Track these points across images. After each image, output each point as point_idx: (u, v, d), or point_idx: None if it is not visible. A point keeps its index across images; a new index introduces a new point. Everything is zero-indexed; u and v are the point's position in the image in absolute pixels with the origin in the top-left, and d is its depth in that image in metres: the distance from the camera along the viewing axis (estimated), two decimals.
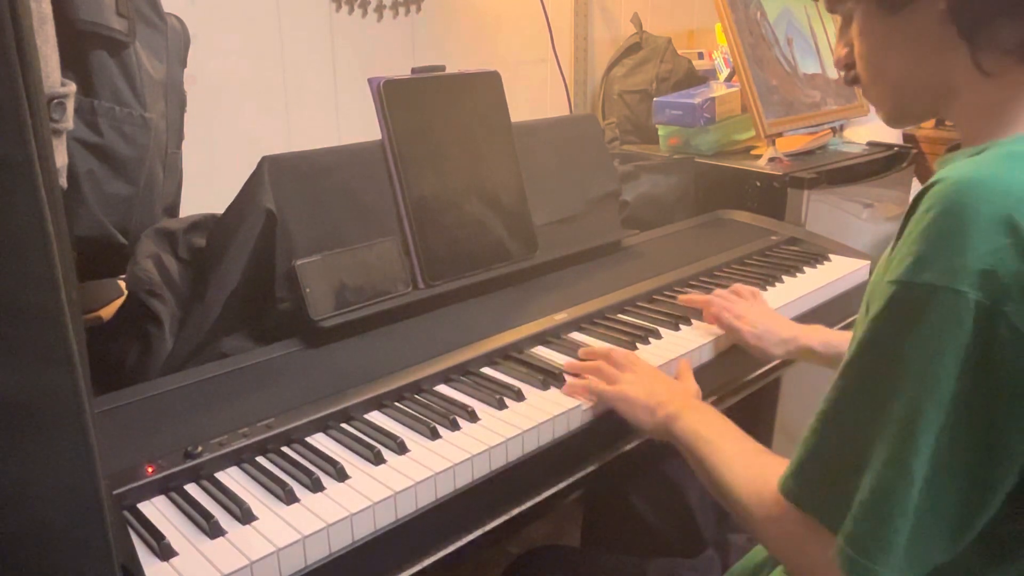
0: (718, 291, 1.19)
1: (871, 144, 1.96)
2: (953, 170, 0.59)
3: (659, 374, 0.98)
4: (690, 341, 1.10)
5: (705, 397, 1.12)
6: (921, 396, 0.57)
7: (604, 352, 1.00)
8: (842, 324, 1.40)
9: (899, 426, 0.58)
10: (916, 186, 2.19)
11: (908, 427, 0.57)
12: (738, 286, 1.20)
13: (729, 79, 2.01)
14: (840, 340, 1.06)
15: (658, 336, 1.11)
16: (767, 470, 0.72)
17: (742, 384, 1.17)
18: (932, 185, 0.59)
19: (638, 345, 1.08)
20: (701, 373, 1.09)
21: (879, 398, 0.59)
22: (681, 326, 1.15)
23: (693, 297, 1.19)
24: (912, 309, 0.57)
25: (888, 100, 0.74)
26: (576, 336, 1.11)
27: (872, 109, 1.99)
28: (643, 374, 0.96)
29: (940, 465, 0.57)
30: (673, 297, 1.25)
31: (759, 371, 1.20)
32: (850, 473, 0.60)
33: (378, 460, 0.81)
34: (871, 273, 1.43)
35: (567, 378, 0.97)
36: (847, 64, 0.75)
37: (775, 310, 1.23)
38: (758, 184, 1.67)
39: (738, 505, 0.73)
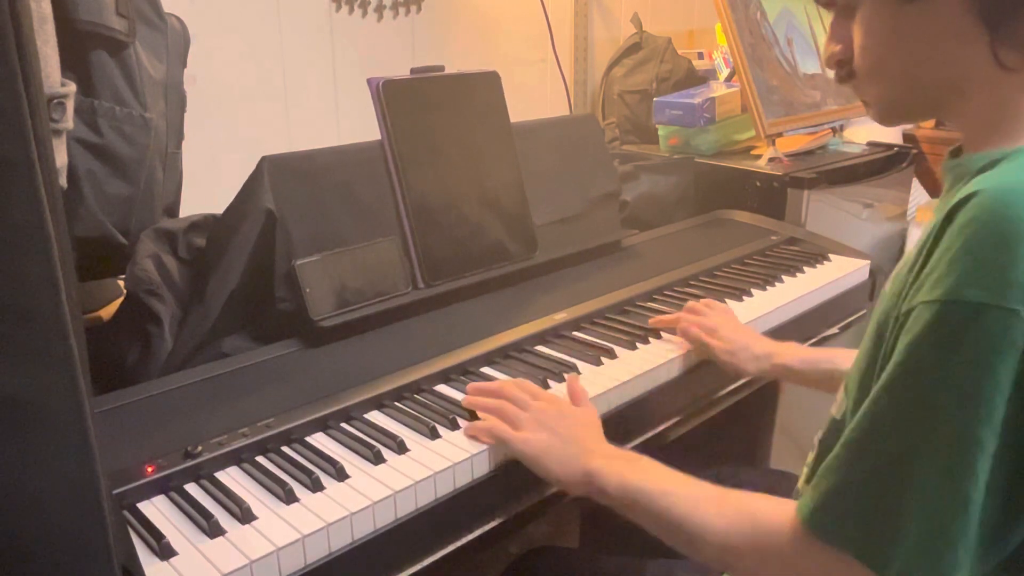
0: (689, 304, 1.14)
1: (871, 144, 1.96)
2: (987, 181, 0.57)
3: (564, 410, 0.87)
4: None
5: (704, 397, 1.13)
6: (972, 420, 0.54)
7: (500, 387, 0.89)
8: (842, 324, 1.40)
9: (950, 452, 0.55)
10: (916, 186, 2.19)
11: (961, 453, 0.54)
12: (709, 300, 1.15)
13: (729, 79, 2.01)
14: (817, 357, 1.03)
15: (658, 336, 1.11)
16: (751, 507, 0.68)
17: (741, 385, 1.18)
18: (968, 198, 0.56)
19: (638, 345, 1.08)
20: (699, 374, 1.10)
21: (924, 424, 0.56)
22: None
23: (662, 318, 1.13)
24: (958, 329, 0.55)
25: (888, 96, 0.70)
26: (576, 336, 1.11)
27: None
28: (546, 412, 0.85)
29: (989, 489, 0.55)
30: (673, 297, 1.25)
31: None
32: (893, 505, 0.57)
33: (378, 460, 0.81)
34: (871, 274, 1.44)
35: (463, 423, 0.88)
36: (840, 60, 0.72)
37: (775, 310, 1.23)
38: (758, 184, 1.67)
39: (726, 548, 0.68)
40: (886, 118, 0.72)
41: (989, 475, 0.54)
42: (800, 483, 0.81)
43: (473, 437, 0.85)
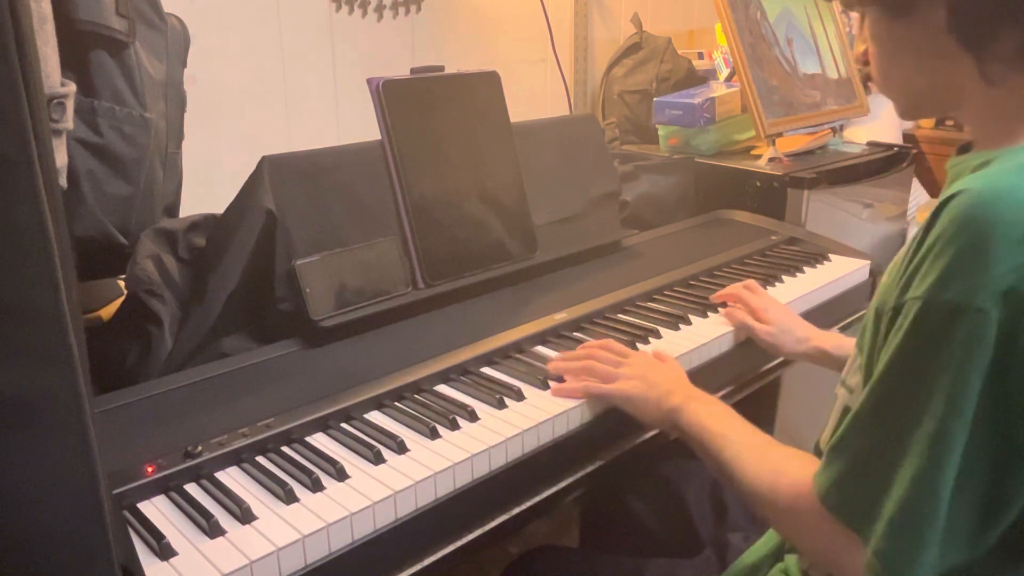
0: (746, 283, 1.21)
1: (871, 144, 1.96)
2: (972, 181, 0.59)
3: (652, 362, 0.98)
4: (689, 341, 1.10)
5: None
6: (947, 415, 0.57)
7: (592, 350, 1.00)
8: (841, 324, 1.40)
9: (926, 444, 0.58)
10: (916, 186, 2.19)
11: (935, 446, 0.58)
12: (752, 283, 1.21)
13: (729, 79, 2.01)
14: (850, 344, 1.06)
15: (658, 336, 1.11)
16: (781, 464, 0.74)
17: (741, 385, 1.18)
18: (952, 197, 0.59)
19: (638, 345, 1.08)
20: (699, 374, 1.09)
21: (906, 415, 0.60)
22: (681, 326, 1.15)
23: (721, 292, 1.21)
24: (936, 328, 0.58)
25: (898, 99, 0.75)
26: (576, 336, 1.11)
27: (872, 108, 2.00)
28: (638, 365, 0.96)
29: (964, 481, 0.58)
30: (673, 297, 1.25)
31: (759, 371, 1.20)
32: (879, 487, 0.61)
33: (378, 460, 0.81)
34: (871, 274, 1.44)
35: (551, 383, 0.96)
36: (865, 60, 0.76)
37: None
38: (758, 184, 1.67)
39: (753, 497, 0.76)
40: (903, 114, 0.77)
41: (968, 469, 0.58)
42: None
43: (565, 396, 0.94)
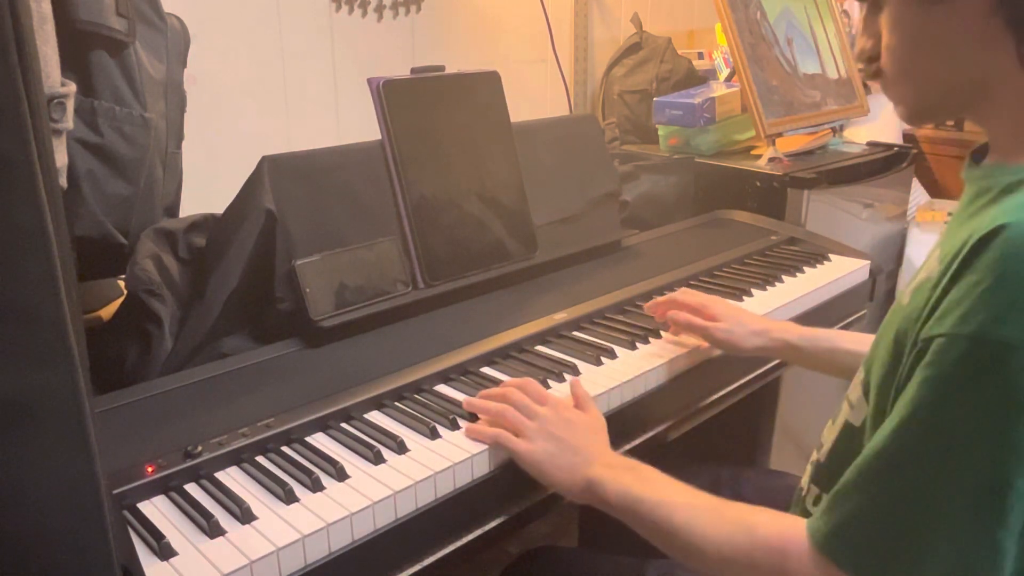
0: (681, 291, 1.14)
1: (871, 144, 1.96)
2: (1017, 214, 0.56)
3: (569, 417, 0.86)
4: (690, 341, 1.10)
5: (704, 397, 1.13)
6: (1004, 462, 0.54)
7: (508, 391, 0.89)
8: (841, 324, 1.40)
9: (981, 495, 0.54)
10: (916, 186, 2.19)
11: (993, 496, 0.54)
12: (684, 290, 1.14)
13: (729, 79, 2.01)
14: (816, 335, 1.02)
15: (658, 336, 1.11)
16: (748, 519, 0.68)
17: (741, 385, 1.18)
18: (999, 230, 0.55)
19: (638, 345, 1.08)
20: (699, 373, 1.10)
21: (953, 462, 0.55)
22: None
23: (658, 300, 1.13)
24: (988, 367, 0.54)
25: (913, 97, 0.69)
26: (576, 335, 1.11)
27: (872, 108, 2.00)
28: (553, 421, 0.85)
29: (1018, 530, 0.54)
30: None
31: (759, 371, 1.20)
32: (918, 541, 0.56)
33: (378, 460, 0.81)
34: (871, 274, 1.44)
35: (463, 423, 0.88)
36: (871, 56, 0.71)
37: (775, 310, 1.23)
38: (758, 184, 1.67)
39: (725, 562, 0.68)
40: (912, 118, 0.71)
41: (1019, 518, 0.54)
42: (804, 481, 0.81)
43: (475, 438, 0.85)
